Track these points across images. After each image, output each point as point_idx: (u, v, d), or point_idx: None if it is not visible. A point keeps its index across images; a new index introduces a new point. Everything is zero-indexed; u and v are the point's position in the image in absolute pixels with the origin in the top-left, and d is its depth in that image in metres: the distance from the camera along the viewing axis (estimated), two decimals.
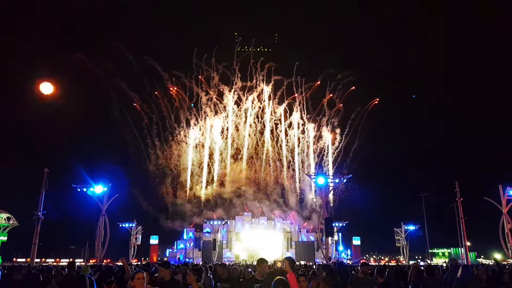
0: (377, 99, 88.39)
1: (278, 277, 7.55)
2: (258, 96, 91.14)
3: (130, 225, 69.44)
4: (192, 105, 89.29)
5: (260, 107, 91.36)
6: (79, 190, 54.84)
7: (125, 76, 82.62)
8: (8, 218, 67.86)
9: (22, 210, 64.54)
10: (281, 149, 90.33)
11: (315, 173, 63.20)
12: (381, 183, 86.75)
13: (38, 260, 55.88)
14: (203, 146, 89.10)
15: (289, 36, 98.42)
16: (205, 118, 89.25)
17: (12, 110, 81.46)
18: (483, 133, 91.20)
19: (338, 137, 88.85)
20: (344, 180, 53.23)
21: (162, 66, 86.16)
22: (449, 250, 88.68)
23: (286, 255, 72.39)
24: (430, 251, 75.07)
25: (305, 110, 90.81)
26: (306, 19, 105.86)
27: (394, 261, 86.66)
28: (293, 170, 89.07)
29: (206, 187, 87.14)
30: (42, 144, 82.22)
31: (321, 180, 53.08)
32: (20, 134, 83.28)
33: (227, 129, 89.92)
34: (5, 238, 66.51)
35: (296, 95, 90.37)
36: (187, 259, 66.68)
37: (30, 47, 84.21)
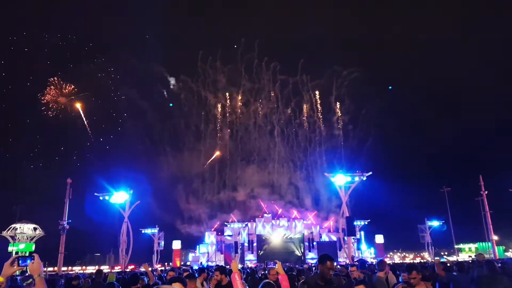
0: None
1: (265, 280, 7.31)
2: (265, 97, 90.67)
3: (152, 230, 70.13)
4: (171, 104, 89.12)
5: (269, 107, 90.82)
6: (101, 198, 55.90)
7: (133, 83, 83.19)
8: (35, 229, 69.60)
9: (48, 220, 66.04)
10: (292, 149, 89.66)
11: (327, 171, 62.43)
12: (402, 179, 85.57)
13: (65, 268, 56.99)
14: (214, 149, 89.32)
15: (292, 33, 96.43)
16: (214, 121, 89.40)
17: (36, 122, 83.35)
18: (505, 124, 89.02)
19: (351, 133, 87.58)
20: (364, 178, 52.42)
21: (168, 72, 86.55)
22: (476, 245, 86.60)
23: (307, 255, 72.07)
24: (456, 246, 73.50)
25: (314, 108, 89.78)
26: (308, 15, 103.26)
27: (420, 257, 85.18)
28: (306, 170, 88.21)
29: (218, 191, 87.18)
30: (64, 155, 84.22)
31: (340, 179, 52.43)
32: (43, 145, 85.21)
33: (237, 131, 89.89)
34: (33, 248, 68.14)
35: (303, 93, 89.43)
36: (209, 263, 66.99)
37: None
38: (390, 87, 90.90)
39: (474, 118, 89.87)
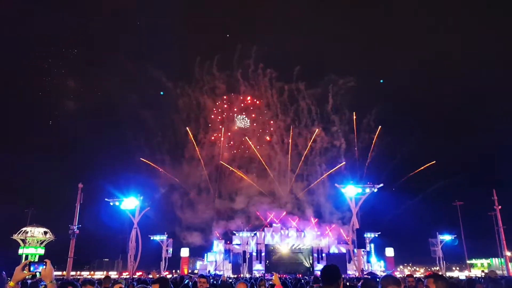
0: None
1: None
2: (263, 104, 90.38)
3: (161, 237, 70.18)
4: (162, 93, 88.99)
5: (266, 114, 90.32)
6: (111, 204, 56.28)
7: (132, 88, 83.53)
8: (45, 232, 70.23)
9: (58, 224, 66.60)
10: (292, 158, 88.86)
11: (329, 182, 61.70)
12: (413, 192, 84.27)
13: (73, 273, 57.28)
14: (212, 158, 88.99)
15: (287, 41, 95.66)
16: (213, 130, 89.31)
17: (47, 128, 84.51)
18: None
19: (352, 143, 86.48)
20: (375, 190, 51.86)
21: (166, 77, 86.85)
22: (488, 261, 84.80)
23: (316, 267, 71.28)
24: (468, 262, 72.06)
25: (313, 117, 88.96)
26: (304, 22, 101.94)
27: (430, 273, 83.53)
28: (307, 180, 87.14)
29: (219, 200, 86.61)
30: (76, 161, 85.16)
31: (350, 190, 51.97)
32: (55, 150, 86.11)
33: (233, 139, 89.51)
34: (43, 252, 68.70)
35: (299, 101, 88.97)
36: (217, 272, 66.70)
37: None
38: (381, 81, 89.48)
39: (488, 131, 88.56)
